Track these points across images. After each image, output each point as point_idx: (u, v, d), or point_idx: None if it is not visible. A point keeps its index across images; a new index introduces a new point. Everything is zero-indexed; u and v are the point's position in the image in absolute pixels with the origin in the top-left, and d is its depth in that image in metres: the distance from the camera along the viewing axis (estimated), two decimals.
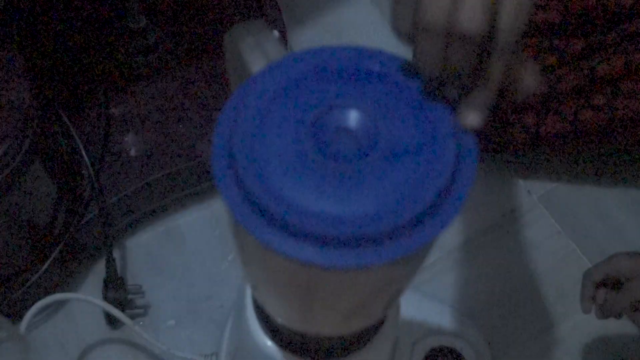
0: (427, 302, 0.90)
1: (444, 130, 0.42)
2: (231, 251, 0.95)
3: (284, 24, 0.99)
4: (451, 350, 0.85)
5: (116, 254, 0.92)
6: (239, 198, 0.40)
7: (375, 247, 0.39)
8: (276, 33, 0.48)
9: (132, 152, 0.92)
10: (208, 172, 0.43)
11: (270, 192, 0.39)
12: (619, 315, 0.75)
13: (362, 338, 0.63)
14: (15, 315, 0.81)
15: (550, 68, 0.92)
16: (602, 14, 0.86)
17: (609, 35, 0.87)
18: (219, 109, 0.43)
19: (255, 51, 0.46)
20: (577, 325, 0.92)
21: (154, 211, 0.97)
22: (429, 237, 0.40)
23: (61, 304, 0.90)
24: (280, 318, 0.57)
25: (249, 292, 0.65)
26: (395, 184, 0.40)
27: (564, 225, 1.01)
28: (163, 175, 0.92)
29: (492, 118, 0.47)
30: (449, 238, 0.99)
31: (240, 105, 0.43)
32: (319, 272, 0.41)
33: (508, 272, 0.96)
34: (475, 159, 0.42)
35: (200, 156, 0.91)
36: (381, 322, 0.63)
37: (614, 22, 0.86)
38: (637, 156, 1.05)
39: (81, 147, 0.89)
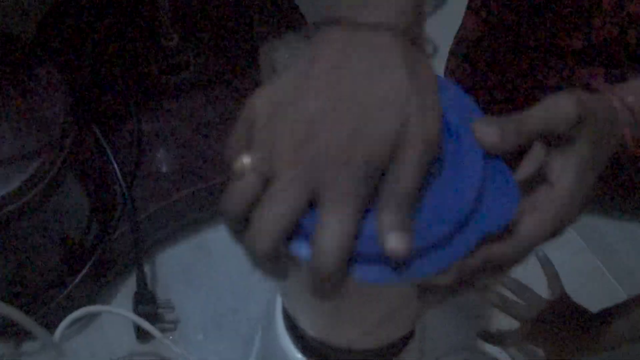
0: (452, 317, 0.90)
1: (468, 151, 0.43)
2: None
3: None
4: None
5: (147, 268, 0.93)
6: None
7: (414, 262, 0.40)
8: None
9: (163, 169, 0.94)
10: None
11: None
12: None
13: (388, 353, 0.63)
14: (50, 326, 0.82)
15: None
16: (622, 48, 0.86)
17: (628, 71, 0.87)
18: None
19: (289, 63, 0.47)
20: None
21: (183, 226, 0.98)
22: (447, 263, 0.40)
23: (93, 316, 0.91)
24: (310, 330, 0.58)
25: (279, 305, 0.66)
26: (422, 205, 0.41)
27: (589, 242, 1.01)
28: (193, 192, 0.93)
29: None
30: None
31: None
32: (362, 287, 0.41)
33: (533, 289, 0.96)
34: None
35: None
36: (407, 337, 0.64)
37: (634, 58, 0.86)
38: None
39: (114, 162, 0.90)
